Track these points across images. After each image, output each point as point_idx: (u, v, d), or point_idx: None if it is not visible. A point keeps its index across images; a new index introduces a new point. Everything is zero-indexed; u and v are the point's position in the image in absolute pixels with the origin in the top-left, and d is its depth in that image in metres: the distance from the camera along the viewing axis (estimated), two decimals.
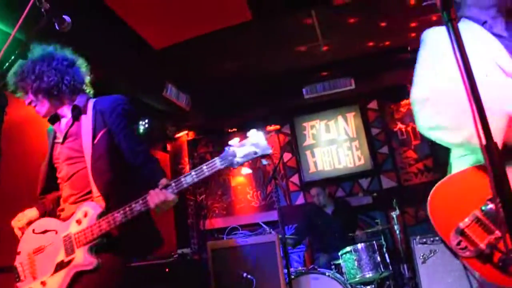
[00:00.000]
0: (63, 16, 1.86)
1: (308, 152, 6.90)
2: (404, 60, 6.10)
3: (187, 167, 7.39)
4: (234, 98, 6.69)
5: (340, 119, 6.88)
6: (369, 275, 4.23)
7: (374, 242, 4.37)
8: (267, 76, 6.21)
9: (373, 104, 6.89)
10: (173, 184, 1.90)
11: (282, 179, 7.02)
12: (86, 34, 3.78)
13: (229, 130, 7.36)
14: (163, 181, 1.94)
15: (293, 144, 7.03)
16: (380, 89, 6.55)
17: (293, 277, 4.28)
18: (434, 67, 1.70)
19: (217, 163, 1.86)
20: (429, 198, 1.56)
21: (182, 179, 1.89)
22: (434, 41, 1.76)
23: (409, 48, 5.92)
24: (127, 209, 1.92)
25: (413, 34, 5.38)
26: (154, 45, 4.76)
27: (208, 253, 3.79)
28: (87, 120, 2.17)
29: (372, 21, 5.11)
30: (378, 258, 4.30)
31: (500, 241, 1.40)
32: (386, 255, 4.42)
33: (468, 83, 0.99)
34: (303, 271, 4.44)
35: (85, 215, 2.00)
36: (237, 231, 3.95)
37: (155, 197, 1.88)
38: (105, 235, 1.96)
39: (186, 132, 7.46)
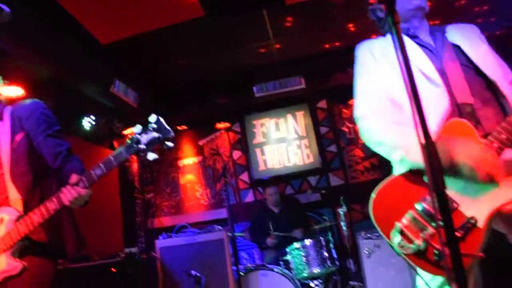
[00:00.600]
0: (1, 6, 1.80)
1: (258, 150, 6.94)
2: (353, 61, 6.21)
3: (135, 165, 7.25)
4: (183, 95, 6.64)
5: (289, 117, 6.96)
6: (316, 270, 4.32)
7: (321, 238, 4.46)
8: (218, 73, 6.20)
9: (322, 104, 7.01)
10: (83, 179, 1.92)
11: (232, 176, 7.03)
12: (31, 27, 3.63)
13: (179, 128, 7.28)
14: (73, 177, 1.95)
15: (243, 142, 7.05)
16: (330, 89, 6.67)
17: (242, 274, 4.31)
18: (370, 81, 1.81)
19: (123, 152, 1.89)
20: (370, 200, 1.66)
21: (92, 173, 1.92)
22: (367, 55, 1.87)
23: None
24: (43, 209, 1.94)
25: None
26: (102, 39, 4.64)
27: (156, 252, 3.74)
28: (4, 126, 2.16)
29: (323, 22, 5.21)
30: (325, 254, 4.39)
31: (433, 237, 1.51)
32: (333, 251, 4.53)
33: (409, 83, 1.03)
34: (252, 268, 4.47)
35: (1, 221, 1.99)
36: (186, 229, 3.91)
37: (67, 194, 1.91)
38: (25, 238, 1.96)
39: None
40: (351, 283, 4.58)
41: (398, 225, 1.57)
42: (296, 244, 4.47)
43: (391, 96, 1.76)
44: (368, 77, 1.84)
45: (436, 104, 1.64)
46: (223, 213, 6.81)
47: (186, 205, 7.10)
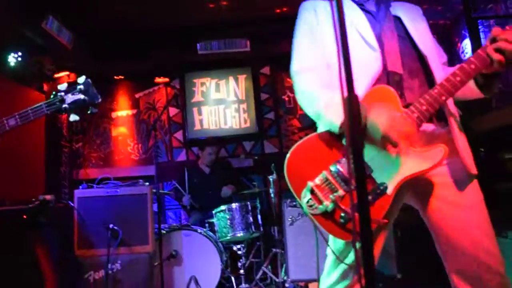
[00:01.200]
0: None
1: (195, 109, 6.77)
2: None
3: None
4: (124, 44, 6.28)
5: (231, 80, 6.82)
6: (240, 234, 4.31)
7: (248, 203, 4.44)
8: (161, 25, 5.91)
9: (266, 70, 6.91)
10: None
11: (166, 134, 6.85)
12: None
13: (116, 77, 6.94)
14: None
15: (181, 100, 6.85)
16: (275, 56, 6.57)
17: (164, 232, 4.22)
18: (309, 40, 1.80)
19: (43, 108, 1.82)
20: (286, 159, 1.63)
21: (4, 121, 1.82)
22: (311, 13, 1.84)
23: None
24: None
25: None
26: None
27: (74, 202, 3.56)
28: None
29: None
30: (251, 219, 4.38)
31: (342, 199, 1.52)
32: (259, 217, 4.53)
33: (341, 40, 0.97)
34: (176, 227, 4.40)
35: None
36: (109, 181, 3.74)
37: None
38: None
39: (67, 73, 6.87)
40: (274, 250, 4.63)
41: (310, 184, 1.55)
42: (222, 207, 4.43)
43: (327, 60, 1.74)
44: (308, 35, 1.81)
45: (368, 67, 1.65)
46: (152, 170, 6.63)
47: (115, 158, 6.85)
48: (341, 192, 1.53)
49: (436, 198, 1.64)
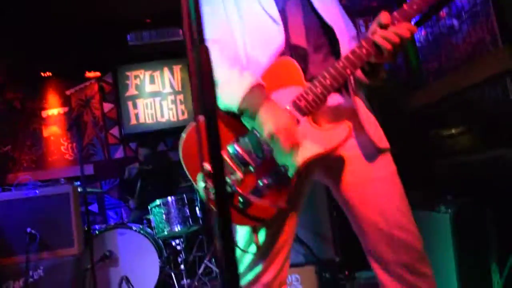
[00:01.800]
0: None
1: (130, 103, 6.49)
2: None
3: None
4: (51, 38, 5.90)
5: (166, 71, 6.59)
6: (177, 228, 4.14)
7: (184, 195, 4.28)
8: (90, 16, 5.59)
9: None
10: None
11: (102, 130, 6.55)
12: None
13: (42, 74, 6.55)
14: None
15: (115, 94, 6.55)
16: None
17: (97, 232, 4.00)
18: (219, 10, 1.66)
19: None
20: (180, 140, 1.53)
21: None
22: None
23: None
24: None
25: None
26: None
27: None
28: None
29: None
30: (188, 212, 4.22)
31: (241, 183, 1.40)
32: (197, 209, 4.37)
33: None
34: (110, 226, 4.17)
35: None
36: (28, 182, 3.49)
37: None
38: None
39: None
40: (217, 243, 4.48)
41: (206, 166, 1.40)
42: (157, 201, 4.24)
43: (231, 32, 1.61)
44: (218, 6, 1.66)
45: (270, 40, 1.54)
46: (89, 169, 6.36)
47: (49, 160, 6.49)
48: (239, 174, 1.40)
49: (346, 173, 1.56)
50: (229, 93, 1.46)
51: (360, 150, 1.56)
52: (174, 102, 6.52)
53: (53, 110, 6.61)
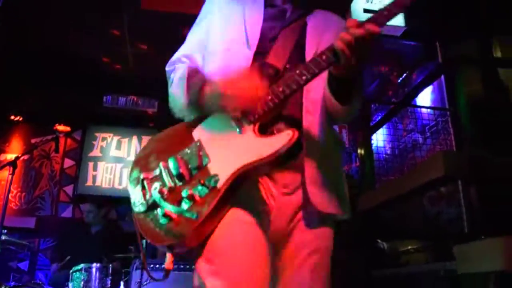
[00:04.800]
0: None
1: (91, 164, 6.37)
2: None
3: None
4: (24, 81, 5.92)
5: (134, 139, 6.56)
6: None
7: (111, 265, 4.01)
8: (69, 69, 5.67)
9: None
10: None
11: (56, 185, 6.34)
12: None
13: (14, 118, 6.48)
14: None
15: (79, 152, 6.45)
16: (182, 120, 6.44)
17: None
18: (196, 30, 1.65)
19: None
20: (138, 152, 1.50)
21: None
22: (211, 3, 1.66)
23: None
24: None
25: None
26: None
27: None
28: None
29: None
30: (109, 284, 3.93)
31: (170, 193, 1.27)
32: (122, 283, 4.07)
33: None
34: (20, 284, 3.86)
35: None
36: None
37: None
38: None
39: None
40: None
41: (141, 175, 1.34)
42: (80, 266, 3.96)
43: (205, 42, 1.59)
44: (197, 26, 1.65)
45: (235, 61, 1.46)
46: (31, 223, 6.06)
47: None
48: (168, 185, 1.27)
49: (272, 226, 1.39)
50: (177, 87, 1.46)
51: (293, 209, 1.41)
52: None
53: (13, 155, 6.44)
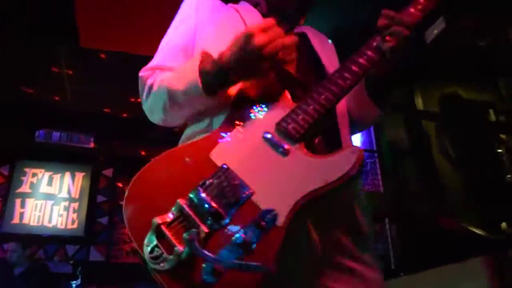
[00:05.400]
0: None
1: (18, 201, 6.09)
2: (151, 137, 6.20)
3: None
4: None
5: (67, 175, 6.36)
6: None
7: None
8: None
9: (108, 172, 6.61)
10: None
11: None
12: None
13: None
14: None
15: (5, 188, 6.15)
16: (120, 159, 6.36)
17: None
18: (174, 35, 1.43)
19: None
20: (129, 186, 1.09)
21: None
22: (189, 8, 1.46)
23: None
24: None
25: None
26: None
27: None
28: None
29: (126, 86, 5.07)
30: None
31: (206, 241, 0.94)
32: None
33: None
34: None
35: None
36: None
37: None
38: None
39: None
40: None
41: (155, 221, 0.97)
42: None
43: (190, 48, 1.37)
44: (175, 32, 1.44)
45: None
46: None
47: None
48: (203, 229, 0.95)
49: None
50: (183, 74, 1.19)
51: None
52: (66, 209, 6.19)
53: None
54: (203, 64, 1.15)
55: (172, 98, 1.21)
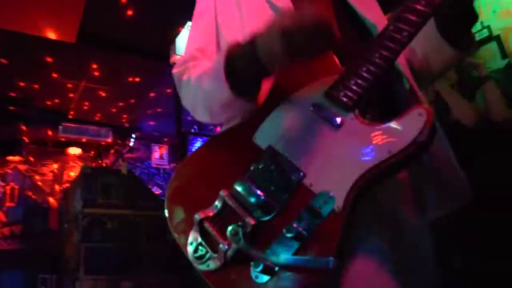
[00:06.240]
0: None
1: None
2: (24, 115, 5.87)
3: None
4: None
5: None
6: None
7: None
8: None
9: None
10: None
11: None
12: None
13: None
14: None
15: None
16: None
17: None
18: (196, 28, 1.31)
19: None
20: (169, 184, 1.02)
21: None
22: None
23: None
24: None
25: None
26: None
27: None
28: None
29: None
30: None
31: (257, 234, 0.84)
32: None
33: None
34: None
35: None
36: None
37: None
38: None
39: None
40: None
41: (197, 217, 0.90)
42: None
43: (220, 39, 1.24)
44: (198, 22, 1.31)
45: None
46: None
47: None
48: (249, 221, 0.84)
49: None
50: (211, 74, 1.01)
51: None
52: None
53: None
54: (230, 53, 0.95)
55: (208, 100, 1.04)
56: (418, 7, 0.89)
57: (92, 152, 8.59)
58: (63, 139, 8.07)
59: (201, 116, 1.11)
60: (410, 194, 1.04)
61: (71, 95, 7.08)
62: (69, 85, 6.69)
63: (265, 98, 0.99)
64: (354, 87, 0.88)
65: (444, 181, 1.05)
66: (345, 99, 0.88)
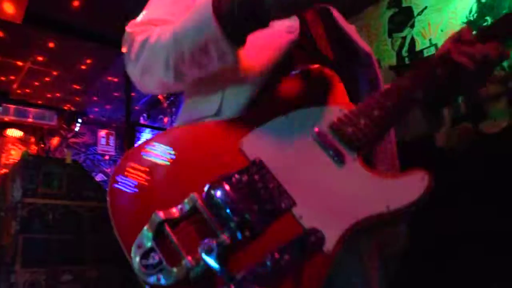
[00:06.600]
0: None
1: None
2: None
3: None
4: None
5: None
6: None
7: None
8: None
9: None
10: None
11: None
12: None
13: None
14: None
15: None
16: None
17: None
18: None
19: None
20: (113, 171, 0.81)
21: None
22: None
23: None
24: None
25: None
26: None
27: None
28: None
29: None
30: None
31: (234, 253, 0.73)
32: None
33: None
34: None
35: None
36: None
37: None
38: None
39: None
40: None
41: (158, 217, 0.73)
42: None
43: None
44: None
45: (274, 44, 1.04)
46: None
47: None
48: (224, 238, 0.72)
49: None
50: (194, 15, 0.88)
51: None
52: None
53: None
54: None
55: (179, 46, 0.88)
56: (429, 68, 0.96)
57: (33, 137, 8.24)
58: (4, 120, 7.72)
59: (152, 78, 0.98)
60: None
61: (13, 76, 6.82)
62: (14, 65, 6.43)
63: (262, 102, 0.92)
64: (365, 128, 0.86)
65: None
66: (353, 137, 0.85)
